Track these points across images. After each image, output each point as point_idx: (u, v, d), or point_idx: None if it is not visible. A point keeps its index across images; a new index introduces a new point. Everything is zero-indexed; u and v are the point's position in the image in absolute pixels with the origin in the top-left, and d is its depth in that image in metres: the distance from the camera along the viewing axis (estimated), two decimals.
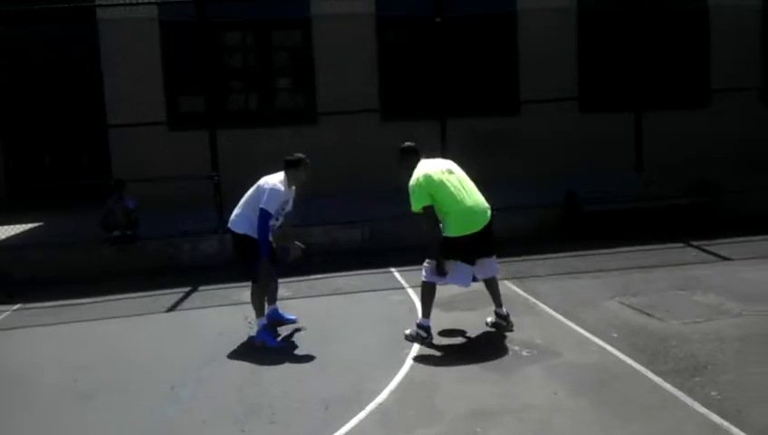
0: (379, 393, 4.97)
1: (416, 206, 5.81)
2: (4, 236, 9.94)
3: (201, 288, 8.36)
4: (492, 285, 6.23)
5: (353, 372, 5.47)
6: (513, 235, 9.75)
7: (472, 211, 5.86)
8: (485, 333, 6.14)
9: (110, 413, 4.98)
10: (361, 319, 6.86)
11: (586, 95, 12.98)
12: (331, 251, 9.42)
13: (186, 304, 7.86)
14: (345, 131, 11.99)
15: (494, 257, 6.15)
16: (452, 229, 5.78)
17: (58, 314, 7.70)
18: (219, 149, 9.76)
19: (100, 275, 9.00)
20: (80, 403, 5.19)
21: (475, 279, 6.09)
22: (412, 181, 5.85)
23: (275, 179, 6.21)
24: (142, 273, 9.03)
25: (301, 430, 4.51)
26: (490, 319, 6.30)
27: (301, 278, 8.39)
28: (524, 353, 5.61)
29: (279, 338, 6.37)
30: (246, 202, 6.29)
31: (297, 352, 6.02)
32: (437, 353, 5.76)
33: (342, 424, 4.52)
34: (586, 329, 6.06)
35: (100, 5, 11.82)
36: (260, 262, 6.08)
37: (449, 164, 6.14)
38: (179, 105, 13.03)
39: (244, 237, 6.19)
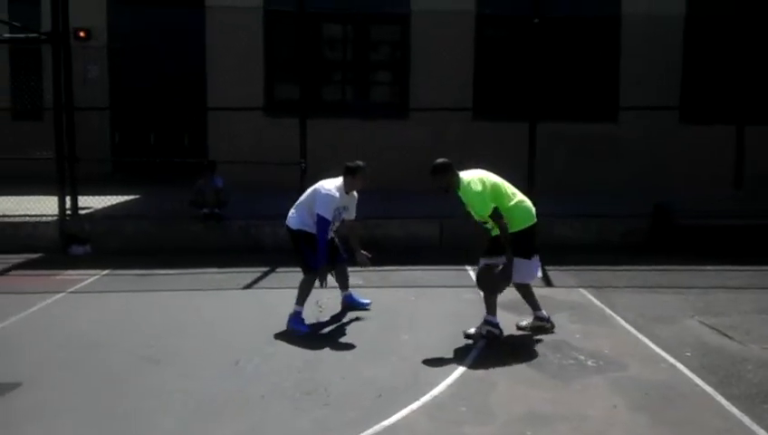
0: (434, 387, 4.97)
1: (485, 211, 5.79)
2: (101, 206, 10.50)
3: (279, 269, 8.56)
4: (527, 292, 6.22)
5: (413, 363, 5.48)
6: (598, 243, 9.58)
7: (526, 204, 6.03)
8: (552, 339, 6.02)
9: (174, 380, 5.18)
10: (429, 313, 6.86)
11: (688, 105, 12.50)
12: (409, 245, 9.47)
13: (262, 283, 8.08)
14: (435, 128, 12.00)
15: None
16: (517, 223, 5.89)
17: (142, 282, 8.08)
18: (311, 138, 9.93)
19: (187, 249, 9.39)
20: (148, 368, 5.43)
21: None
22: (474, 190, 5.78)
23: (331, 185, 6.31)
24: (226, 251, 9.33)
25: (351, 415, 4.55)
26: (525, 323, 6.22)
27: (375, 269, 8.40)
28: (590, 363, 5.47)
29: (311, 323, 6.45)
30: (302, 203, 6.45)
31: (361, 339, 6.08)
32: (500, 354, 5.68)
33: (393, 413, 4.54)
34: (658, 345, 5.85)
35: None
36: (316, 261, 6.19)
37: (486, 172, 6.07)
38: (276, 92, 13.37)
39: (299, 232, 6.36)
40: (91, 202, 10.43)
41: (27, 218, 9.77)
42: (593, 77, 13.08)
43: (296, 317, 6.31)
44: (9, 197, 10.40)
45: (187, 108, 13.45)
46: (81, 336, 6.21)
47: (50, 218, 9.74)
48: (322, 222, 6.13)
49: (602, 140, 12.57)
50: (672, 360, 5.50)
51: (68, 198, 9.80)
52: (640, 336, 6.11)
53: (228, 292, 7.70)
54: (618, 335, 6.19)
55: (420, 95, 12.51)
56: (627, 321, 6.54)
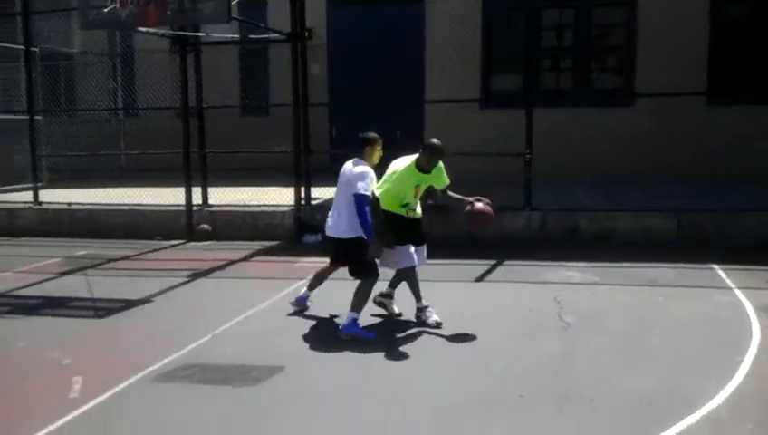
0: (709, 399, 4.54)
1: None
2: (327, 196, 10.89)
3: (506, 263, 8.42)
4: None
5: (675, 370, 5.09)
6: None
7: None
8: None
9: (422, 378, 5.17)
10: (682, 316, 6.36)
11: None
12: (641, 240, 8.98)
13: (493, 276, 7.97)
14: (664, 115, 11.26)
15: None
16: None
17: None
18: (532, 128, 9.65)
19: None
20: (402, 360, 5.47)
21: None
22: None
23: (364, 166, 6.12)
24: (450, 242, 9.27)
25: (622, 425, 4.27)
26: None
27: (610, 265, 8.08)
28: None
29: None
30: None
31: (612, 341, 5.75)
32: None
33: (670, 425, 4.19)
34: None
35: None
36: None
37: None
38: (492, 83, 13.18)
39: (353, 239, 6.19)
40: (317, 193, 10.87)
41: (264, 208, 10.38)
42: None
43: (355, 323, 5.91)
44: (243, 187, 11.12)
45: (402, 101, 13.62)
46: (329, 322, 6.41)
47: (285, 208, 10.28)
48: (364, 198, 5.96)
49: None
50: None
51: (302, 189, 10.24)
52: None
53: (461, 284, 7.68)
54: None
55: (647, 80, 11.75)
56: None
